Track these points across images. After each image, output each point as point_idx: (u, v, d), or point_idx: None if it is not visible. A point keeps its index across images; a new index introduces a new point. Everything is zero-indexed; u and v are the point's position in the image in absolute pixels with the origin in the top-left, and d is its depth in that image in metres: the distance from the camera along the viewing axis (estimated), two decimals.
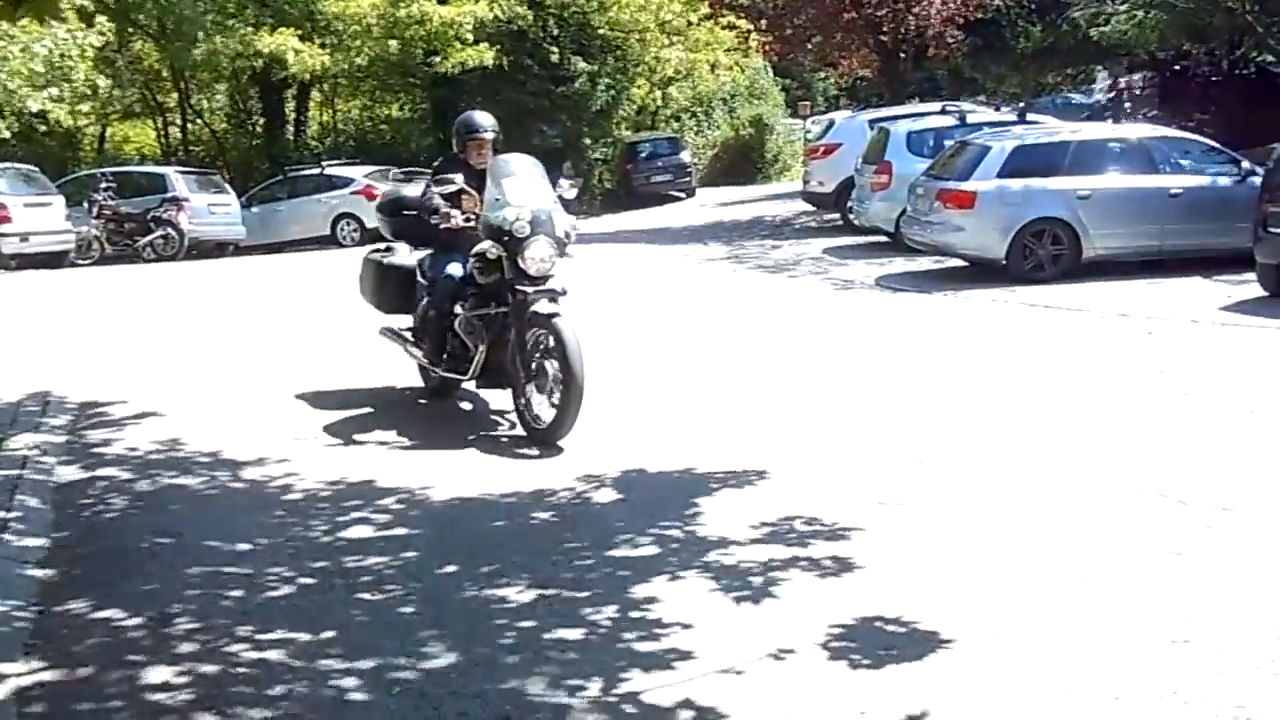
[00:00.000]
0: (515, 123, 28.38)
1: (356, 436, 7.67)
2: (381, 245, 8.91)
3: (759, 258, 17.28)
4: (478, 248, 7.38)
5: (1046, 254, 13.57)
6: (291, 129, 31.42)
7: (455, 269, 7.65)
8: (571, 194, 8.07)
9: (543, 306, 7.11)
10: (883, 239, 17.33)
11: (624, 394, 8.57)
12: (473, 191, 7.60)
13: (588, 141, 30.57)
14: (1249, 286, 12.17)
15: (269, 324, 12.96)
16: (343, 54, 26.72)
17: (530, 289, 7.17)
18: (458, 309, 7.61)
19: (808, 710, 4.00)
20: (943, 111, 19.55)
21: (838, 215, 20.42)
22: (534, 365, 7.14)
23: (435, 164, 8.35)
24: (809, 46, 36.16)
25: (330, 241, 24.08)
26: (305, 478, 6.76)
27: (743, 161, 36.22)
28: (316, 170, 25.65)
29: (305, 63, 25.28)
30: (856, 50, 34.89)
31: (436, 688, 4.21)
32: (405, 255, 8.48)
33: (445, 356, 7.85)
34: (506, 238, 7.17)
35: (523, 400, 7.25)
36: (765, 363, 9.72)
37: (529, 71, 27.89)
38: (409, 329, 8.52)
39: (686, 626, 4.63)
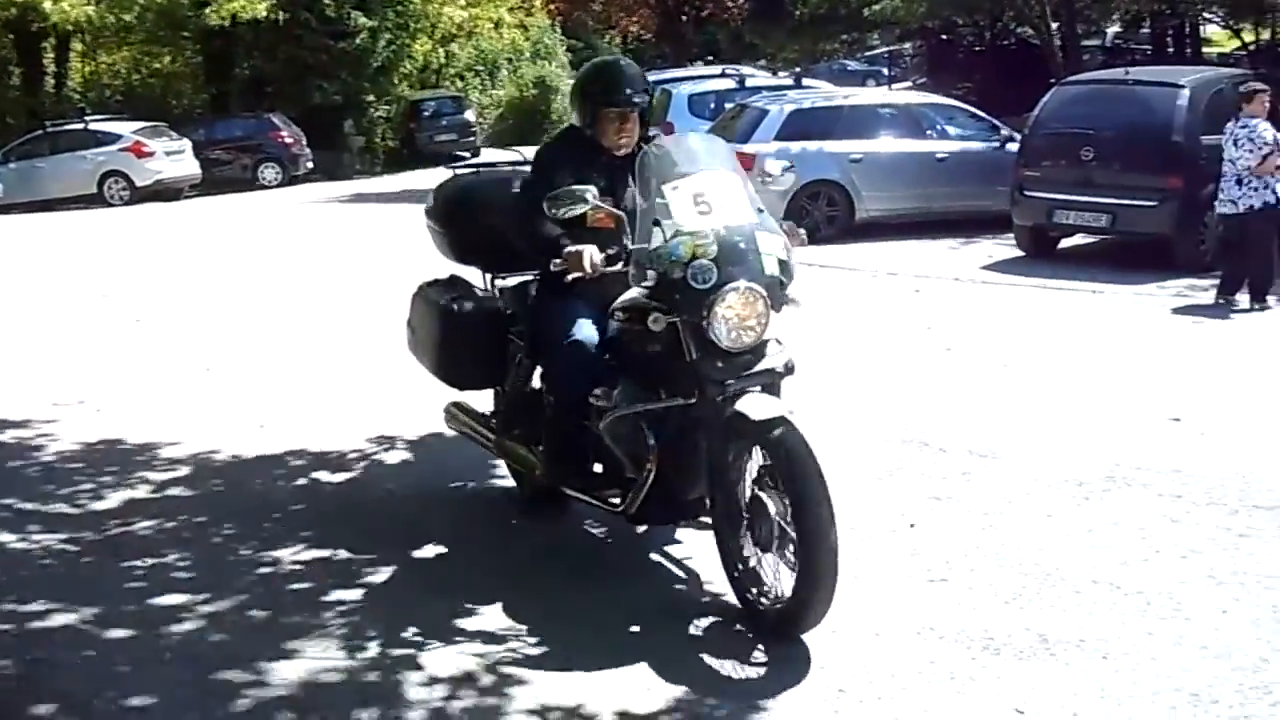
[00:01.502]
0: (293, 79, 27.71)
1: (122, 400, 7.40)
2: (442, 279, 5.56)
3: None
4: (625, 298, 4.39)
5: (822, 215, 13.94)
6: (52, 81, 29.75)
7: (587, 331, 4.53)
8: (785, 183, 5.16)
9: (752, 406, 4.04)
10: None
11: (400, 354, 8.51)
12: (609, 212, 4.41)
13: (369, 99, 29.92)
14: (1007, 247, 12.85)
15: (33, 287, 12.34)
16: (109, 4, 25.39)
17: (728, 376, 4.13)
18: (596, 397, 4.54)
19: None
20: (723, 75, 19.89)
21: None
22: (744, 502, 4.15)
23: (542, 148, 5.11)
24: (593, 6, 36.18)
25: (97, 200, 23.00)
26: (65, 441, 6.51)
27: (528, 122, 36.03)
28: (80, 125, 24.35)
29: (65, 12, 23.93)
30: (638, 11, 35.08)
31: (212, 652, 4.13)
32: (485, 298, 5.35)
33: (576, 470, 4.81)
34: (678, 291, 4.10)
35: (736, 559, 4.23)
36: None
37: (306, 25, 27.06)
38: (497, 413, 5.50)
39: (475, 586, 4.66)
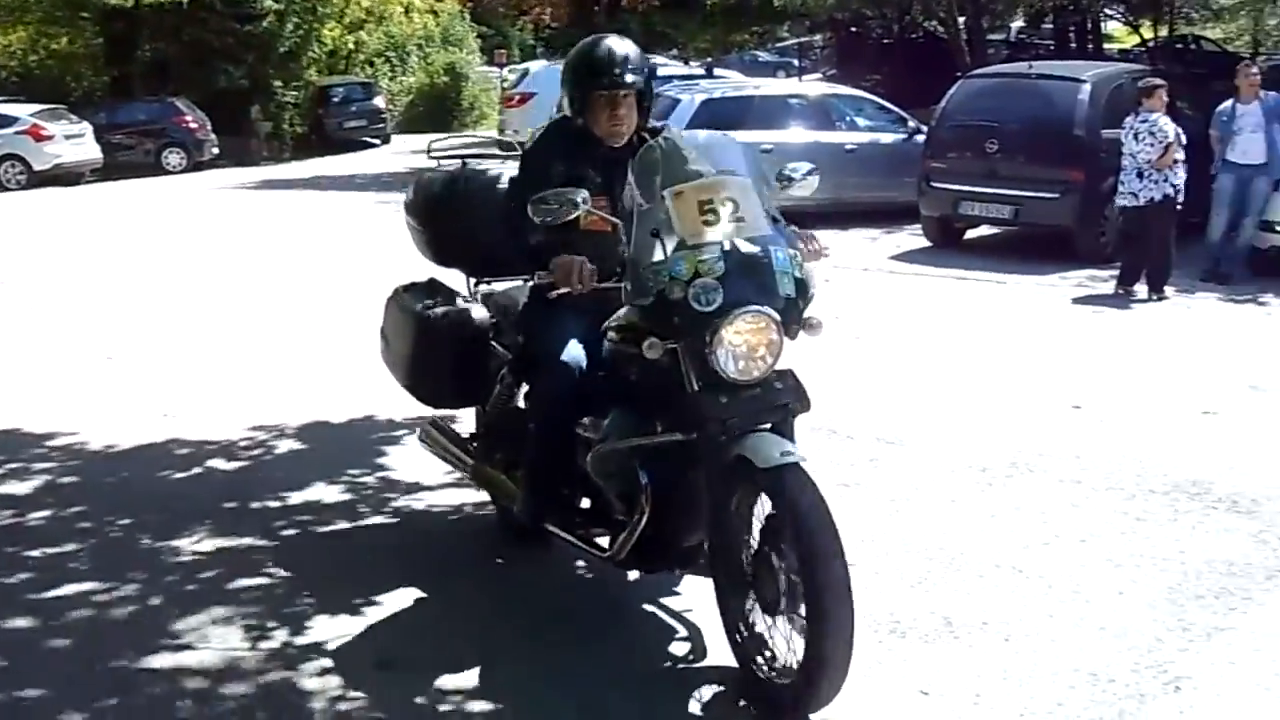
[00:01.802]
0: (197, 63, 27.17)
1: (19, 389, 7.22)
2: (420, 282, 5.01)
3: None
4: (619, 317, 3.86)
5: None
6: None
7: (576, 351, 4.01)
8: (808, 189, 4.09)
9: (759, 450, 3.46)
10: None
11: (304, 343, 8.43)
12: (603, 218, 3.87)
13: (277, 84, 29.47)
14: (915, 237, 13.03)
15: None
16: None
17: (732, 414, 3.53)
18: (584, 426, 4.05)
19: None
20: None
21: None
22: (749, 558, 3.64)
23: (530, 142, 4.49)
24: None
25: None
26: None
27: (439, 109, 35.74)
28: None
29: None
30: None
31: (108, 643, 4.05)
32: (467, 306, 4.77)
33: (558, 506, 4.29)
34: (678, 314, 3.52)
35: (739, 620, 3.72)
36: None
37: (211, 8, 26.56)
38: (476, 435, 4.99)
39: (377, 573, 4.61)
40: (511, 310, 4.52)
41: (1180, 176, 9.89)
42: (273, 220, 15.94)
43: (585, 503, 4.29)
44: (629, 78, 4.04)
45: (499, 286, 4.77)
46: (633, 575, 4.37)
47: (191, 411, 6.75)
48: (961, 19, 24.40)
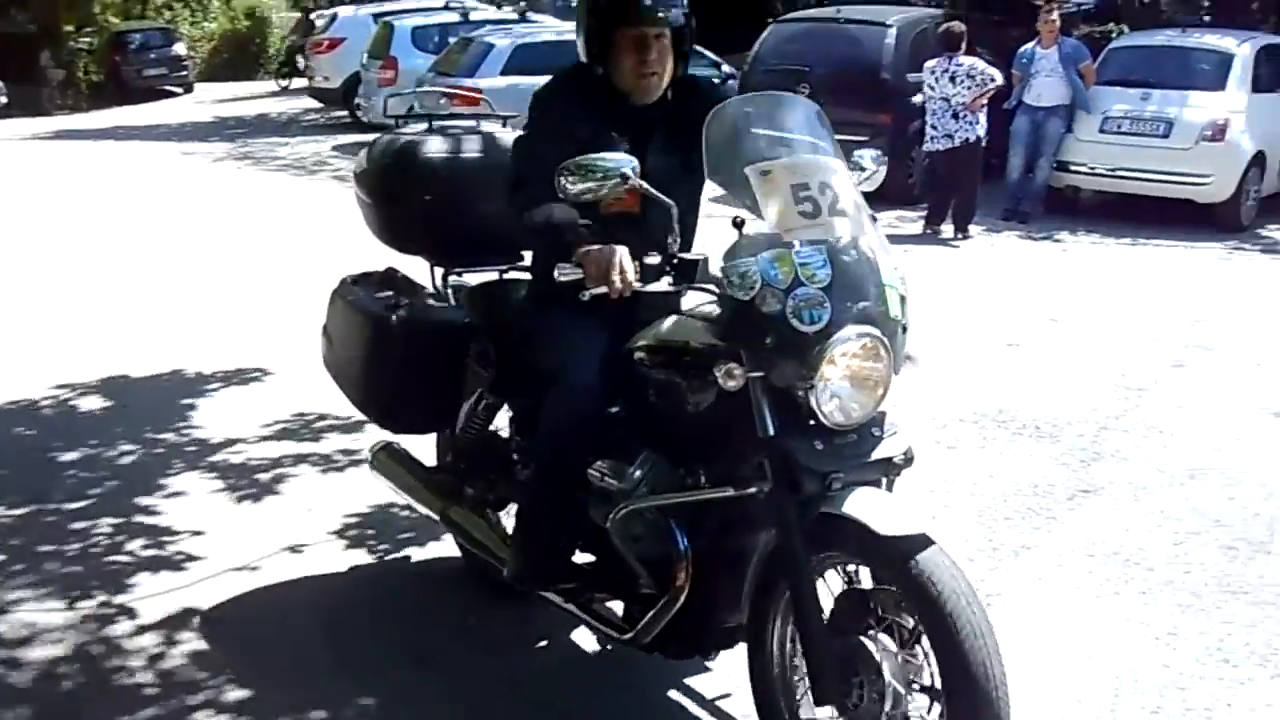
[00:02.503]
0: None
1: None
2: (375, 272, 4.14)
3: (268, 157, 16.65)
4: (658, 332, 3.07)
5: None
6: None
7: (594, 374, 3.10)
8: (875, 183, 3.17)
9: (875, 512, 2.63)
10: None
11: (108, 297, 8.15)
12: (654, 197, 2.83)
13: (68, 29, 28.04)
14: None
15: None
16: None
17: (832, 465, 2.71)
18: (599, 470, 3.16)
19: (328, 599, 4.05)
20: (446, 7, 19.57)
21: (345, 112, 20.05)
22: (849, 659, 2.70)
23: (541, 92, 3.33)
24: None
25: None
26: None
27: (244, 56, 34.56)
28: None
29: None
30: None
31: None
32: (437, 305, 3.87)
33: (560, 568, 3.37)
34: (770, 332, 2.65)
35: None
36: (269, 263, 9.43)
37: None
38: (443, 466, 4.02)
39: (195, 532, 4.52)
40: (495, 312, 3.61)
41: (984, 119, 10.28)
42: (68, 172, 15.22)
43: (582, 555, 3.42)
44: (663, 11, 3.13)
45: (472, 280, 3.83)
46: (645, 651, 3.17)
47: None
48: None
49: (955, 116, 10.21)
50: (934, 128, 10.37)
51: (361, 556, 4.36)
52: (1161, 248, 9.82)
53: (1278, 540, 4.44)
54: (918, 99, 10.74)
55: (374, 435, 4.91)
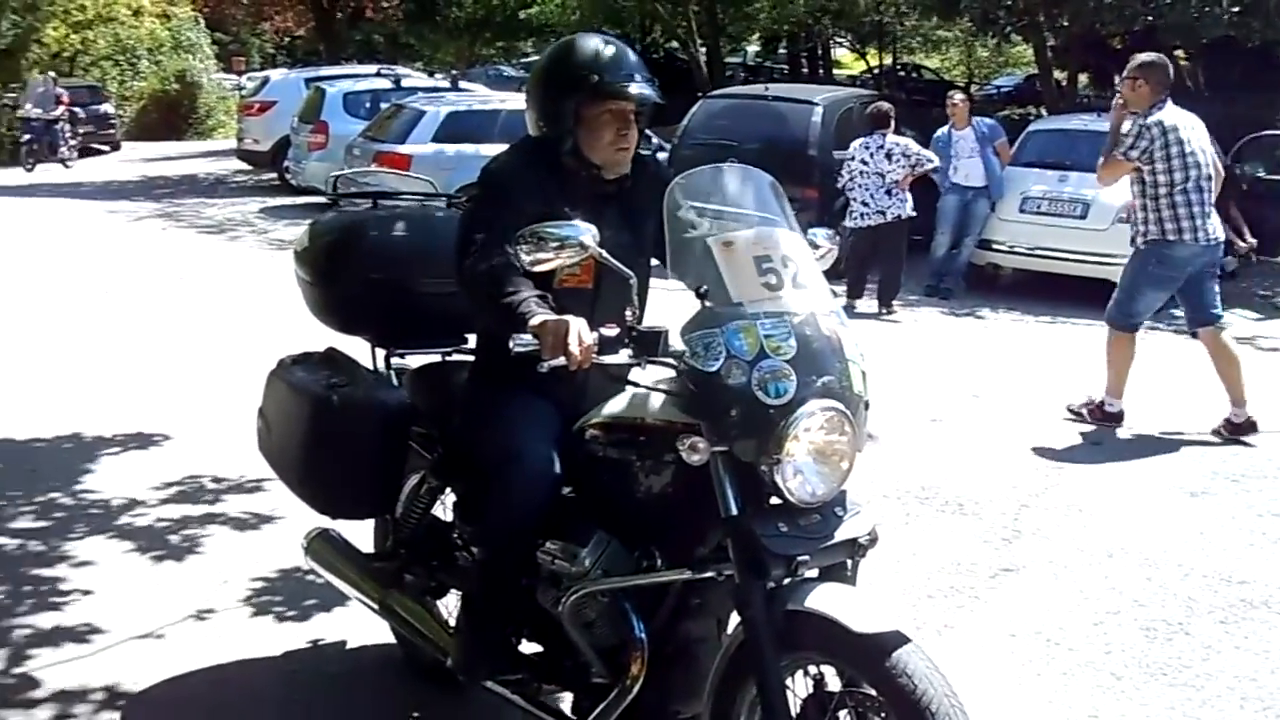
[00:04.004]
0: None
1: None
2: (315, 353, 3.92)
3: (194, 217, 16.46)
4: (611, 410, 2.98)
5: None
6: None
7: (546, 454, 3.03)
8: (828, 263, 3.06)
9: (845, 606, 2.55)
10: (320, 199, 17.10)
11: (8, 355, 7.98)
12: (614, 267, 2.76)
13: None
14: None
15: None
16: None
17: (797, 547, 2.62)
18: (548, 552, 3.05)
19: (235, 670, 3.92)
20: (379, 74, 19.61)
21: (274, 174, 19.94)
22: None
23: (494, 164, 3.23)
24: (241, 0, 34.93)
25: None
26: None
27: (173, 116, 34.29)
28: None
29: None
30: (292, 7, 34.10)
31: None
32: (382, 386, 3.73)
33: (505, 657, 3.24)
34: (735, 405, 2.61)
35: None
36: (183, 326, 9.27)
37: None
38: (381, 553, 3.88)
39: (96, 595, 4.41)
40: (439, 393, 3.55)
41: (909, 196, 10.48)
42: None
43: (528, 644, 3.30)
44: (641, 89, 3.11)
45: (414, 362, 3.82)
46: None
47: None
48: (700, 41, 25.08)
49: (888, 193, 10.37)
50: (864, 204, 10.51)
51: (272, 626, 4.24)
52: (1079, 326, 9.98)
53: (1194, 621, 4.47)
54: (840, 182, 10.89)
55: (276, 498, 4.92)
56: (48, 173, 21.91)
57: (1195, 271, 6.78)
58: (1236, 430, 6.74)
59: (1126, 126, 6.84)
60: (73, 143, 24.32)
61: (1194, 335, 7.21)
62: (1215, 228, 6.79)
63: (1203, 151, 6.75)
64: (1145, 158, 6.66)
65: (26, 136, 23.24)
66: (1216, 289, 6.92)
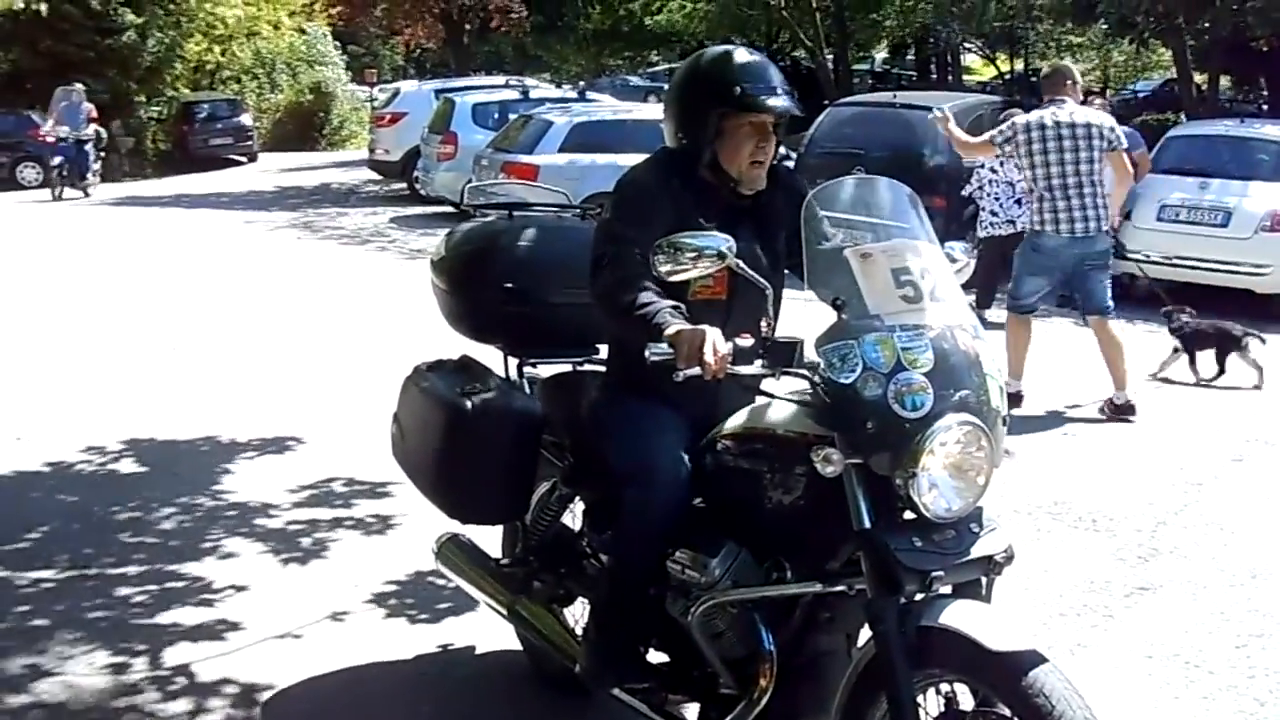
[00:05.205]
0: (56, 74, 26.29)
1: None
2: (450, 360, 3.94)
3: (327, 226, 16.88)
4: (741, 420, 3.00)
5: None
6: None
7: (679, 463, 3.04)
8: (964, 276, 3.02)
9: (981, 625, 2.48)
10: (449, 209, 17.40)
11: (153, 359, 8.24)
12: (752, 279, 2.77)
13: (140, 99, 28.69)
14: None
15: None
16: None
17: (931, 563, 2.57)
18: (678, 562, 3.03)
19: (369, 672, 4.00)
20: (507, 85, 19.88)
21: (404, 184, 20.33)
22: None
23: (629, 176, 3.22)
24: (375, 13, 35.68)
25: None
26: None
27: (307, 127, 35.23)
28: None
29: None
30: (422, 19, 34.75)
31: None
32: (516, 394, 3.72)
33: (635, 665, 3.25)
34: (870, 417, 2.58)
35: None
36: (318, 333, 9.50)
37: (71, 19, 25.78)
38: (511, 559, 3.90)
39: (238, 592, 4.55)
40: (571, 403, 3.51)
41: None
42: (131, 237, 15.48)
43: (657, 655, 3.28)
44: (783, 102, 3.05)
45: (546, 371, 3.83)
46: None
47: (45, 435, 6.52)
48: (828, 48, 24.90)
49: (1018, 202, 10.18)
50: (994, 213, 10.34)
51: (404, 629, 4.32)
52: None
53: None
54: (967, 190, 10.71)
55: (405, 502, 5.00)
56: (189, 182, 22.47)
57: (1074, 263, 7.20)
58: (1119, 410, 7.20)
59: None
60: (96, 166, 21.03)
61: (1085, 323, 7.71)
62: (1090, 222, 7.06)
63: (1076, 151, 7.02)
64: (1014, 151, 7.21)
65: (57, 160, 20.29)
66: (1107, 282, 7.36)
